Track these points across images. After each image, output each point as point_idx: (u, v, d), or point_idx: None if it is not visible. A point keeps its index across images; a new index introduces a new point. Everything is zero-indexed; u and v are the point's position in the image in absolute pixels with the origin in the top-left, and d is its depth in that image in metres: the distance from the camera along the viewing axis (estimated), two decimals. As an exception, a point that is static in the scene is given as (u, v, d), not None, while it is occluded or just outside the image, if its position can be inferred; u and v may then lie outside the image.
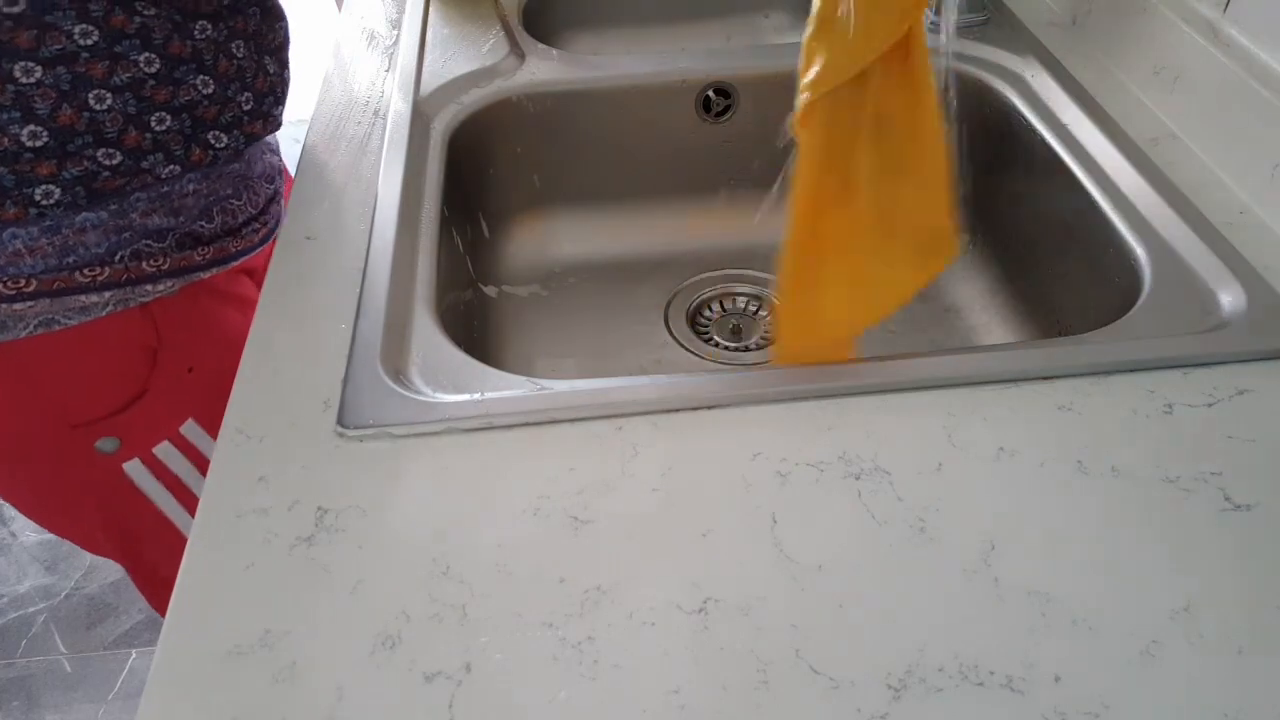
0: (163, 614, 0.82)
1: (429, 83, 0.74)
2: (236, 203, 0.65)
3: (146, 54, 0.54)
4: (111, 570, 1.47)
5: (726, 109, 0.78)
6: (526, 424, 0.46)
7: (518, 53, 0.78)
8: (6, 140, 0.52)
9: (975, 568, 0.40)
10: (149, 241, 0.60)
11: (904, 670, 0.36)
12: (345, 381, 0.48)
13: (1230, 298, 0.51)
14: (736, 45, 0.97)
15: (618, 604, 0.39)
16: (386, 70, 0.76)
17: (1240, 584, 0.39)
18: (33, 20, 0.50)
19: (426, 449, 0.45)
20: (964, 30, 0.77)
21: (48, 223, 0.55)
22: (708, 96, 0.78)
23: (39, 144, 0.53)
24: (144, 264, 0.60)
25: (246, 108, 0.61)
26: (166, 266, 0.61)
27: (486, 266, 0.77)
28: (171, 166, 0.58)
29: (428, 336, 0.52)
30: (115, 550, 0.74)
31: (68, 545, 1.50)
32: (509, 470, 0.44)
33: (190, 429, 0.67)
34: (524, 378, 0.49)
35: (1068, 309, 0.65)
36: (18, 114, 0.51)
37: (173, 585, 0.78)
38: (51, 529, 0.75)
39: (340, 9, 0.88)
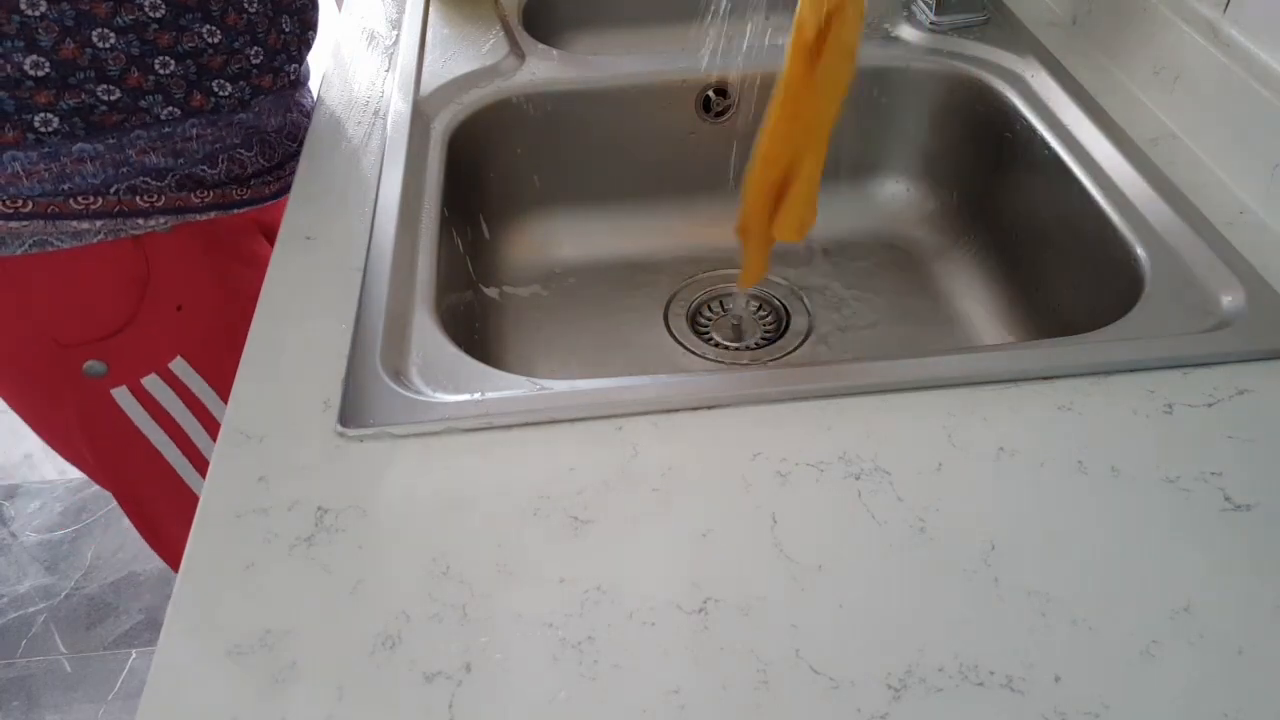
0: (153, 546, 0.84)
1: (429, 83, 0.74)
2: (246, 154, 0.66)
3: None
4: (111, 570, 1.47)
5: (726, 109, 0.78)
6: (526, 424, 0.46)
7: (518, 53, 0.78)
8: (10, 68, 0.54)
9: (975, 568, 0.40)
10: (146, 178, 0.62)
11: (904, 670, 0.36)
12: (345, 381, 0.48)
13: (1230, 298, 0.51)
14: (736, 45, 0.97)
15: (618, 604, 0.39)
16: (386, 70, 0.76)
17: (1240, 584, 0.39)
18: None
19: (427, 449, 0.45)
20: (964, 30, 0.77)
21: (46, 149, 0.58)
22: (708, 96, 0.78)
23: (40, 74, 0.55)
24: (138, 199, 0.62)
25: (255, 61, 0.63)
26: (161, 204, 0.63)
27: (486, 266, 0.77)
28: (170, 109, 0.60)
29: (428, 336, 0.52)
30: (105, 476, 0.77)
31: (68, 545, 1.51)
32: (509, 470, 0.44)
33: (180, 366, 0.69)
34: (524, 378, 0.49)
35: (1068, 309, 0.65)
36: (21, 44, 0.54)
37: (163, 518, 0.81)
38: (51, 445, 0.78)
39: (340, 9, 0.88)
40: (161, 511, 0.79)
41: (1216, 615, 0.38)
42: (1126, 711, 0.35)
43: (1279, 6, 0.56)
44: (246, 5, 0.61)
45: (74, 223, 0.61)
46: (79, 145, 0.58)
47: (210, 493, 0.44)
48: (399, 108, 0.71)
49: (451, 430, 0.46)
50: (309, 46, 0.68)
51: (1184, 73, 0.64)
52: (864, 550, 0.40)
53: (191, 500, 0.74)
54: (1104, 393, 0.47)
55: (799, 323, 0.74)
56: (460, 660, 0.37)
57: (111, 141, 0.59)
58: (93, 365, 0.67)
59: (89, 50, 0.55)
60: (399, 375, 0.49)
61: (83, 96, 0.57)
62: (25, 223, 0.59)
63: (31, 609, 1.42)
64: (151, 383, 0.69)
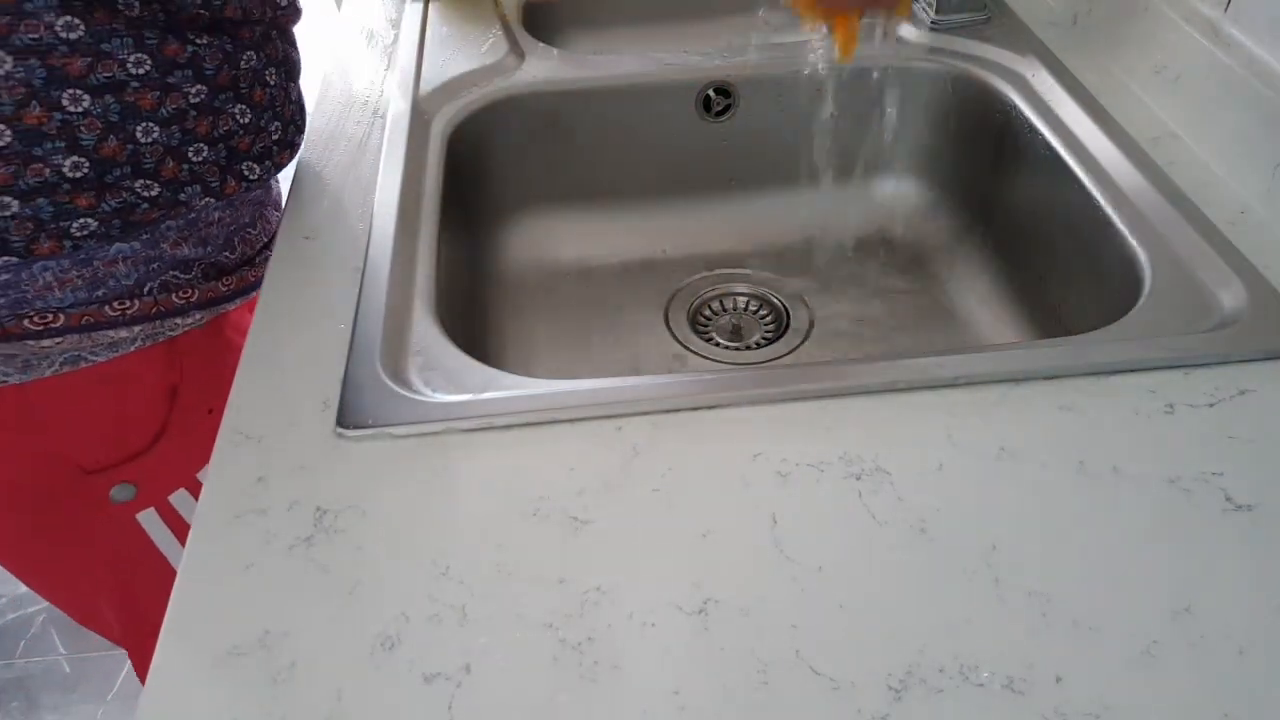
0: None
1: (428, 82, 0.74)
2: (253, 232, 0.63)
3: (198, 85, 0.53)
4: (111, 570, 1.46)
5: (726, 109, 0.78)
6: (526, 424, 0.46)
7: (517, 52, 0.78)
8: (48, 171, 0.49)
9: (975, 568, 0.39)
10: (176, 273, 0.58)
11: (904, 671, 0.36)
12: (345, 381, 0.48)
13: (1231, 297, 0.51)
14: (736, 45, 0.97)
15: (618, 604, 0.39)
16: (386, 69, 0.76)
17: (1240, 584, 0.39)
18: (88, 47, 0.48)
19: (426, 449, 0.45)
20: (965, 29, 0.77)
21: (80, 255, 0.53)
22: (708, 96, 0.78)
23: (79, 175, 0.50)
24: (173, 296, 0.57)
25: (275, 137, 0.60)
26: (194, 298, 0.58)
27: (486, 266, 0.77)
28: (207, 200, 0.56)
29: (427, 336, 0.52)
30: (117, 619, 0.69)
31: (67, 545, 1.50)
32: (509, 470, 0.44)
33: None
34: (524, 378, 0.49)
35: (1068, 309, 0.65)
36: (62, 144, 0.49)
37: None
38: (53, 597, 0.70)
39: (340, 9, 0.88)
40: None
41: (1217, 615, 0.38)
42: (1127, 712, 0.35)
43: (1279, 6, 0.56)
44: (268, 78, 0.58)
45: (110, 332, 0.55)
46: (115, 246, 0.54)
47: (210, 493, 0.44)
48: (398, 107, 0.71)
49: (451, 430, 0.46)
50: (305, 112, 0.65)
51: (1185, 72, 0.64)
52: (864, 550, 0.40)
53: None
54: (1105, 393, 0.47)
55: (799, 322, 0.74)
56: (460, 661, 0.37)
57: (146, 237, 0.55)
58: (120, 490, 0.60)
59: (130, 146, 0.51)
60: (398, 375, 0.49)
61: (123, 195, 0.52)
62: (58, 339, 0.54)
63: (30, 609, 1.42)
64: (179, 498, 0.63)
